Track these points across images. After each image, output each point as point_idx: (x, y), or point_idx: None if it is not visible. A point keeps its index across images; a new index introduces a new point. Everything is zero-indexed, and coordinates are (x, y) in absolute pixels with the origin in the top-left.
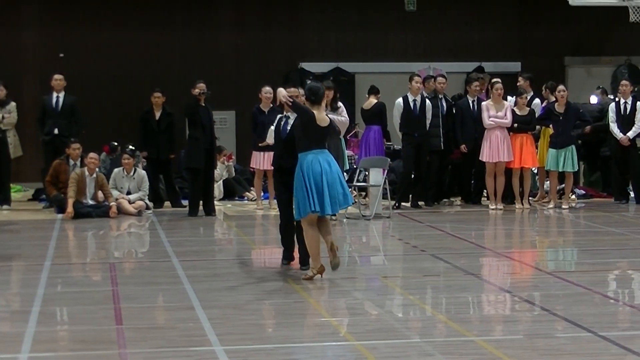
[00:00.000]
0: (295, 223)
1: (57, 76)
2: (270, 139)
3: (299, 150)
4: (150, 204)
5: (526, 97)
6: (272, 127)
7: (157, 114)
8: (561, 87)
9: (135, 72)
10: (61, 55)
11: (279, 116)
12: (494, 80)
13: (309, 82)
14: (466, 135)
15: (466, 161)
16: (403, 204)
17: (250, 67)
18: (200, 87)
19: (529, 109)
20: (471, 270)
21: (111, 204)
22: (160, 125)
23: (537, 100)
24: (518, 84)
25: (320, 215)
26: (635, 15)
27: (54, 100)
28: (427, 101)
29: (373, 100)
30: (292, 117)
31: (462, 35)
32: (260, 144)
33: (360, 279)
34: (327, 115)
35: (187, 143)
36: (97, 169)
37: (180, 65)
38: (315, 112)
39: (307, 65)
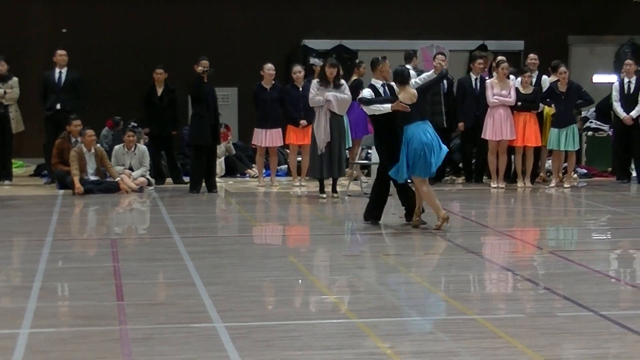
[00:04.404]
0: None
1: (60, 51)
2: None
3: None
4: (152, 180)
5: (530, 76)
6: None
7: (159, 91)
8: (562, 67)
9: (138, 48)
10: (64, 30)
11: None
12: (500, 58)
13: (312, 59)
14: (466, 113)
15: (468, 139)
16: None
17: (253, 43)
18: (203, 64)
19: (533, 87)
20: (472, 248)
21: (117, 179)
22: (162, 102)
23: (544, 77)
24: (528, 61)
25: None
26: None
27: (57, 75)
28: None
29: (354, 77)
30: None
31: (465, 13)
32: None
33: (362, 256)
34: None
35: (191, 120)
36: (98, 144)
37: (183, 41)
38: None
39: (310, 43)
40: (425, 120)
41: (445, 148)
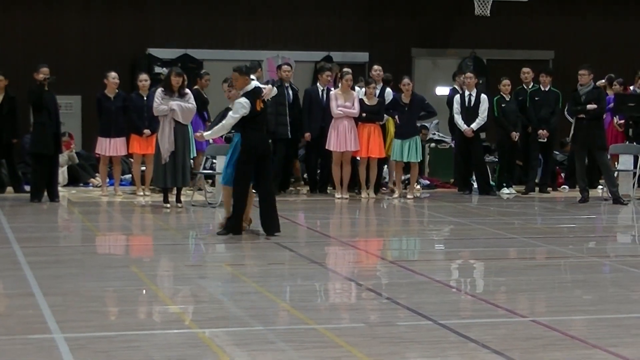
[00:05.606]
0: None
1: None
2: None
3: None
4: None
5: (374, 87)
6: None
7: None
8: (406, 80)
9: None
10: None
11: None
12: (345, 70)
13: (156, 68)
14: (313, 123)
15: (312, 150)
16: None
17: (96, 51)
18: (44, 72)
19: (377, 99)
20: (316, 259)
21: None
22: (2, 110)
23: (388, 90)
24: (373, 72)
25: None
26: (481, 9)
27: None
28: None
29: (195, 87)
30: None
31: (311, 25)
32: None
33: (204, 266)
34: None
35: (33, 128)
36: None
37: (25, 48)
38: None
39: (155, 51)
40: None
41: None
